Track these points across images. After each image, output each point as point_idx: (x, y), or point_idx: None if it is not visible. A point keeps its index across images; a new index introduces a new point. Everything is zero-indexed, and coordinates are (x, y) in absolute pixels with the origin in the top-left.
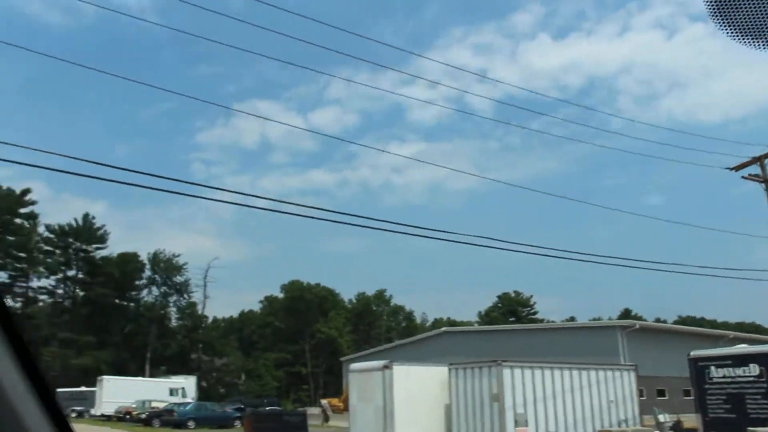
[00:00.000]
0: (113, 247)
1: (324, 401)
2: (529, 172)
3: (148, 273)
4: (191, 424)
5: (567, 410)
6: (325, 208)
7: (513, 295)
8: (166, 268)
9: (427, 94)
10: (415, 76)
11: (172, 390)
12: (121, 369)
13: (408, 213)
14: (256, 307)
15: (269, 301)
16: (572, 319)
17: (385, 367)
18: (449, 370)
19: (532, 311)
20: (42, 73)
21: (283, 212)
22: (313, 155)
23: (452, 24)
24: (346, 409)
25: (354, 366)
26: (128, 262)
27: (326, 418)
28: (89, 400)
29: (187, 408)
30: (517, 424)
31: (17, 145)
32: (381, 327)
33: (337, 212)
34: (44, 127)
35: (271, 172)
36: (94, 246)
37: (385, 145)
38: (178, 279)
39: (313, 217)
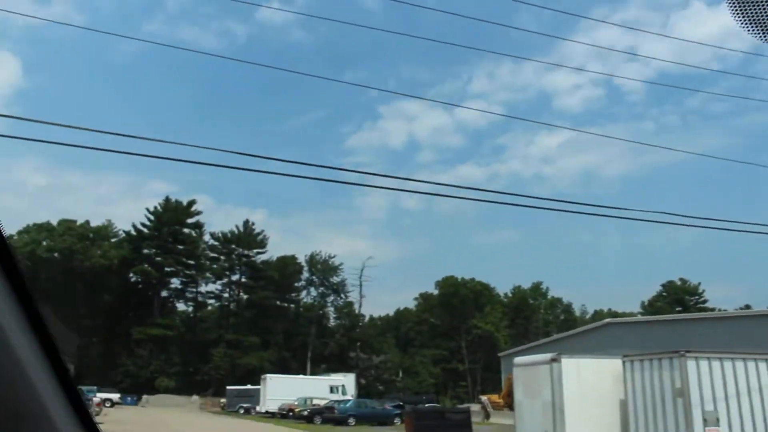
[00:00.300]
0: (272, 251)
1: (484, 397)
2: (691, 151)
3: (306, 275)
4: (351, 421)
5: (767, 408)
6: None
7: (679, 282)
8: (322, 269)
9: (573, 79)
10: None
11: (332, 387)
12: (283, 368)
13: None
14: (412, 305)
15: (424, 298)
16: (747, 307)
17: (553, 360)
18: (623, 362)
19: (701, 300)
20: (199, 91)
21: (446, 195)
22: (460, 151)
23: (596, 3)
24: (506, 405)
25: (519, 360)
26: (287, 264)
27: (487, 415)
28: (255, 397)
29: (348, 405)
30: (706, 423)
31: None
32: (539, 320)
33: (503, 193)
34: (207, 139)
35: (419, 171)
36: (255, 251)
37: (534, 135)
38: (335, 279)
39: (476, 200)
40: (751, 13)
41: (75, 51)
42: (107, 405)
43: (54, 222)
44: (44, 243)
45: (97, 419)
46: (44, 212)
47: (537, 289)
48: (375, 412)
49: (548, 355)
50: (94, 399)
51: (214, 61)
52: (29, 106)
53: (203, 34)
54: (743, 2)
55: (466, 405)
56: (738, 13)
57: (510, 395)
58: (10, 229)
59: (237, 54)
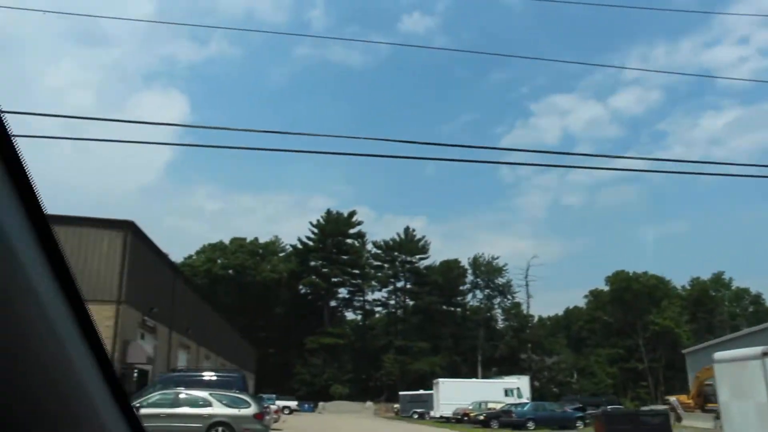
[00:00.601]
0: (435, 257)
1: (673, 398)
2: None
3: (470, 278)
4: (530, 424)
5: None
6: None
7: None
8: (487, 271)
9: (737, 51)
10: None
11: (506, 390)
12: (453, 372)
13: (732, 189)
14: (581, 303)
15: (594, 295)
16: None
17: (765, 354)
18: None
19: None
20: (350, 105)
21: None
22: (618, 141)
23: None
24: (696, 406)
25: (720, 355)
26: (451, 268)
27: (678, 417)
28: (428, 402)
29: (525, 408)
30: None
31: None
32: (723, 314)
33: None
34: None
35: (578, 164)
36: (418, 257)
37: (698, 116)
38: (500, 281)
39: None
40: None
41: (233, 83)
42: (285, 412)
43: (227, 241)
44: (219, 261)
45: (275, 426)
46: (219, 233)
47: (718, 280)
48: (554, 415)
49: (759, 349)
50: (272, 407)
51: (361, 76)
52: (199, 139)
53: (349, 51)
54: None
55: (665, 407)
56: None
57: (700, 395)
58: (191, 250)
59: (382, 66)
